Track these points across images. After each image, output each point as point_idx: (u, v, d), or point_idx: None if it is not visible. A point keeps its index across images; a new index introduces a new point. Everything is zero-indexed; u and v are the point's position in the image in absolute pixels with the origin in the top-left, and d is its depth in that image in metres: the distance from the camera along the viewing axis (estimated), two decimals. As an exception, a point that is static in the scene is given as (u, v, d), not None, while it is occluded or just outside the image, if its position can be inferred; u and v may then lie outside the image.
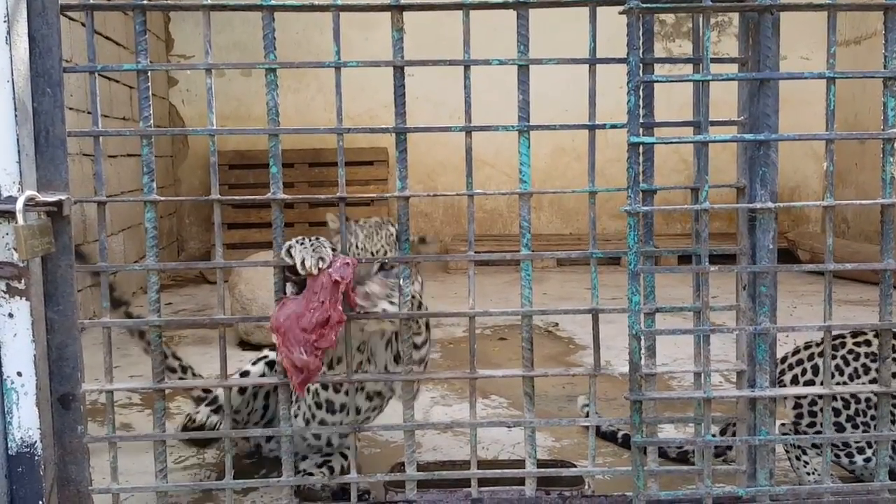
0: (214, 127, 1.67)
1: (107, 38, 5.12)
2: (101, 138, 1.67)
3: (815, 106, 7.38)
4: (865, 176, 6.54)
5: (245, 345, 4.11)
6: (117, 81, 5.45)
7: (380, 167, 7.24)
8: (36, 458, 1.66)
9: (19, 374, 1.65)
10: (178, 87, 7.27)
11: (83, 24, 4.45)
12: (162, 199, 1.70)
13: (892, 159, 1.76)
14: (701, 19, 1.71)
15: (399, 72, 1.68)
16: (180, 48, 7.14)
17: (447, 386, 3.37)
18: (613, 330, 2.97)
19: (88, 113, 4.49)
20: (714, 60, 1.75)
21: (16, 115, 1.58)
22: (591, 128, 1.74)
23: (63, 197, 1.56)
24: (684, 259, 5.79)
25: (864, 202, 1.81)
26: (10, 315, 1.63)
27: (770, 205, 1.76)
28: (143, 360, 3.84)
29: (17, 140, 1.59)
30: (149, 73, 1.66)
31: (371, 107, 7.14)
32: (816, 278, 5.76)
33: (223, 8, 1.66)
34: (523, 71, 1.70)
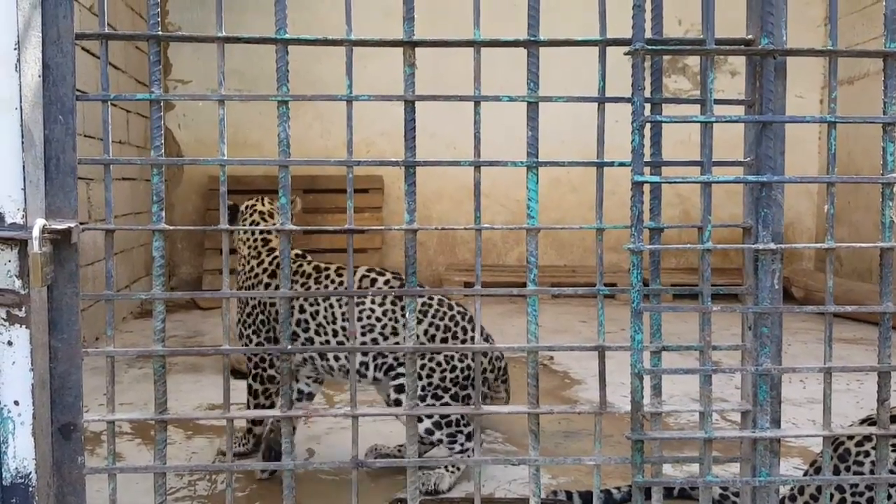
0: (225, 157, 1.68)
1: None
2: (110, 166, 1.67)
3: (806, 144, 7.52)
4: (859, 215, 6.61)
5: (237, 373, 4.07)
6: (114, 105, 5.46)
7: (375, 195, 7.27)
8: (30, 489, 1.64)
9: (16, 402, 1.63)
10: (175, 111, 7.29)
11: (84, 50, 4.47)
12: (170, 227, 1.70)
13: (891, 203, 1.78)
14: (706, 62, 1.74)
15: (410, 106, 1.69)
16: (178, 73, 7.17)
17: (442, 418, 3.35)
18: (610, 365, 2.97)
19: (85, 136, 4.49)
20: (721, 102, 1.77)
21: (22, 142, 1.58)
22: (599, 165, 1.76)
23: (72, 225, 1.56)
24: (683, 294, 5.83)
25: (863, 245, 1.83)
26: (10, 343, 1.61)
27: (772, 246, 1.77)
28: (132, 387, 3.81)
29: (24, 167, 1.59)
30: (161, 104, 1.67)
31: (367, 135, 7.18)
32: (810, 316, 5.79)
33: (237, 40, 1.67)
34: (533, 108, 1.71)
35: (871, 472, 2.11)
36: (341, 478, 2.68)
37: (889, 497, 2.06)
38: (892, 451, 2.03)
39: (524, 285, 6.52)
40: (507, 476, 2.68)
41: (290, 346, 1.72)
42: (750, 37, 1.78)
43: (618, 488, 2.51)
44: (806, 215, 7.67)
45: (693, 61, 7.65)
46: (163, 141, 1.70)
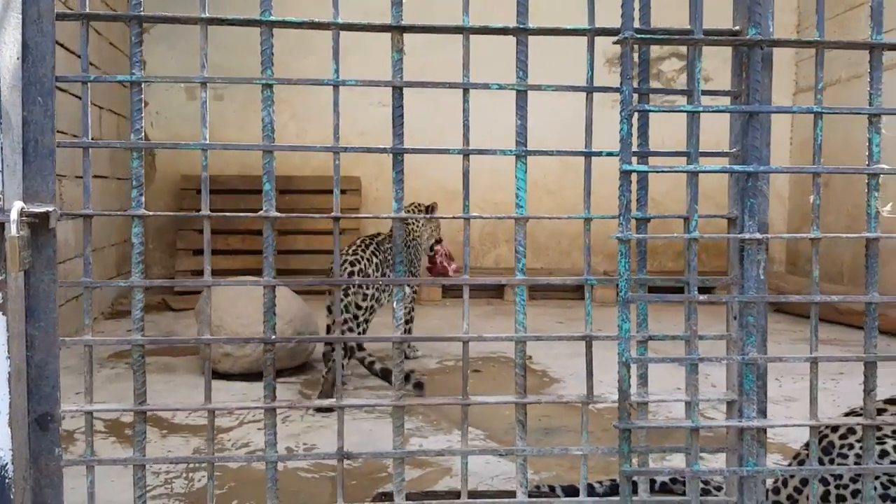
0: (207, 141, 1.64)
1: (74, 53, 5.06)
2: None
3: (777, 148, 7.61)
4: (830, 218, 6.69)
5: (212, 373, 4.01)
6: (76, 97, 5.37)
7: (352, 196, 7.22)
8: (6, 480, 1.58)
9: (-8, 392, 1.58)
10: (148, 109, 7.20)
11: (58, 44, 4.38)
12: (150, 213, 1.66)
13: (876, 194, 1.80)
14: (693, 52, 1.74)
15: (398, 92, 1.67)
16: (153, 69, 7.07)
17: (422, 417, 3.32)
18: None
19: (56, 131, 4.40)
20: (708, 93, 1.78)
21: (0, 124, 1.54)
22: (587, 154, 1.75)
23: (50, 209, 1.51)
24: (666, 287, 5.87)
25: (850, 235, 1.84)
26: (-15, 331, 1.56)
27: (758, 235, 1.78)
28: (104, 387, 3.74)
29: (1, 150, 1.54)
30: (142, 86, 1.63)
31: (344, 134, 7.06)
32: (783, 317, 5.85)
33: (221, 22, 1.64)
34: (521, 96, 1.70)
35: (857, 464, 2.13)
36: (322, 475, 2.64)
37: (875, 489, 2.07)
38: (878, 443, 2.04)
39: (501, 287, 6.47)
40: (490, 472, 2.66)
41: (273, 337, 1.69)
42: (737, 27, 1.79)
43: (600, 482, 2.50)
44: (777, 220, 7.76)
45: (668, 66, 7.71)
46: (142, 125, 1.66)
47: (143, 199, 1.66)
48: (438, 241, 4.76)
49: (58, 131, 1.57)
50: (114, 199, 6.37)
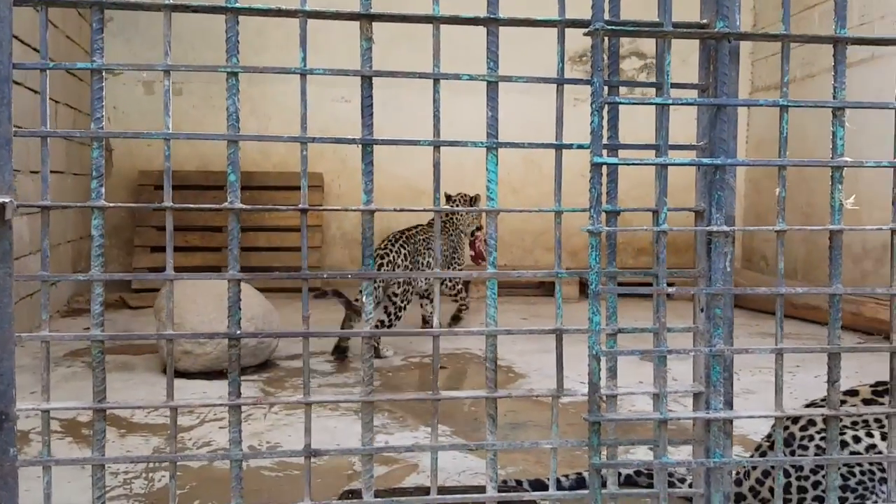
0: (170, 130, 1.60)
1: (29, 45, 4.92)
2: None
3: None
4: (786, 218, 6.80)
5: (176, 372, 3.93)
6: (35, 92, 5.23)
7: (314, 193, 7.16)
8: (-42, 483, 1.52)
9: (-58, 391, 1.52)
10: (106, 104, 7.04)
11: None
12: (111, 205, 1.61)
13: (840, 187, 1.82)
14: (662, 45, 1.75)
15: (367, 82, 1.64)
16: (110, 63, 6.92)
17: (388, 414, 3.29)
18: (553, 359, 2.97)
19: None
20: (676, 86, 1.78)
21: (-49, 113, 1.47)
22: (558, 147, 1.75)
23: (6, 200, 1.45)
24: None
25: (813, 227, 1.86)
26: (-65, 327, 1.50)
27: (725, 228, 1.79)
28: (60, 386, 3.64)
29: (-48, 139, 1.48)
30: (103, 74, 1.58)
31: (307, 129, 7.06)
32: (740, 311, 5.94)
33: (185, 9, 1.59)
34: (492, 87, 1.68)
35: (817, 455, 2.16)
36: (286, 474, 2.60)
37: (843, 478, 2.10)
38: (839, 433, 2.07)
39: (466, 282, 6.42)
40: (457, 468, 2.65)
41: (238, 332, 1.65)
42: (705, 21, 1.80)
43: (566, 476, 2.50)
44: (735, 218, 7.88)
45: (628, 65, 7.78)
46: (104, 113, 1.61)
47: (103, 190, 1.61)
48: (479, 228, 5.35)
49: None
50: (70, 195, 6.22)
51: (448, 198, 5.28)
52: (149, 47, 6.90)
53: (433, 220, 5.11)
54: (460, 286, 5.23)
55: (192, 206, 1.63)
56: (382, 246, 4.57)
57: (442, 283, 4.96)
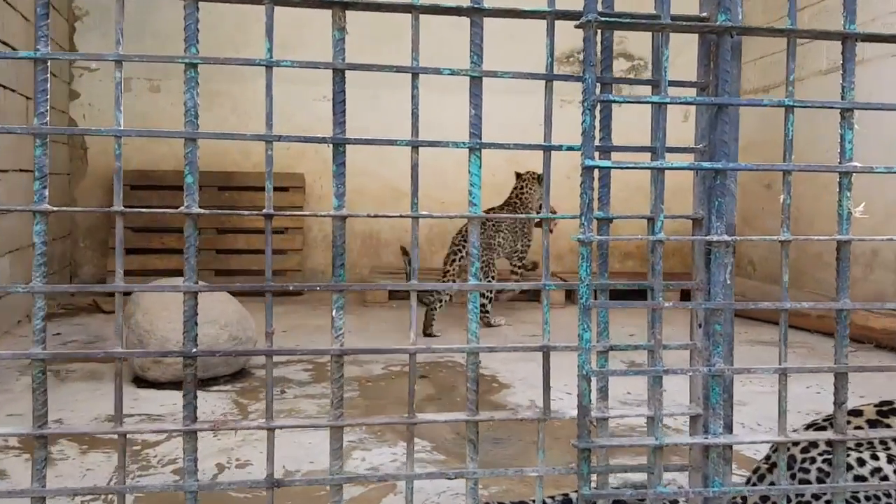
0: (122, 127, 1.44)
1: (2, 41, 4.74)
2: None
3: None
4: (773, 222, 6.70)
5: (141, 381, 3.76)
6: (13, 91, 5.03)
7: (295, 194, 6.99)
8: None
9: None
10: (80, 100, 6.85)
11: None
12: (54, 209, 1.46)
13: (848, 193, 1.69)
14: (660, 39, 1.62)
15: (340, 75, 1.50)
16: (84, 61, 6.73)
17: (366, 428, 3.14)
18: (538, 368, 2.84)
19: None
20: (673, 84, 1.65)
21: None
22: (546, 148, 1.61)
23: (-71, 202, 1.30)
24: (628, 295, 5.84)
25: (820, 237, 1.74)
26: None
27: (726, 237, 1.66)
28: (23, 396, 3.46)
29: None
30: (48, 63, 1.43)
31: (288, 129, 6.87)
32: (736, 320, 5.82)
33: (137, -7, 1.44)
34: (476, 83, 1.55)
35: (819, 479, 2.03)
36: (254, 495, 2.45)
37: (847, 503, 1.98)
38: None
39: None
40: (436, 488, 2.50)
41: (194, 350, 1.50)
42: (704, 14, 1.67)
43: (552, 497, 2.37)
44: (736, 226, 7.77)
45: (615, 66, 7.67)
46: (48, 108, 1.46)
47: (46, 192, 1.46)
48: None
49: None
50: (16, 198, 5.96)
51: (518, 175, 5.83)
52: (127, 41, 6.71)
53: (508, 200, 5.83)
54: (526, 259, 5.89)
55: (142, 208, 1.47)
56: (457, 241, 5.30)
57: (514, 256, 5.77)
